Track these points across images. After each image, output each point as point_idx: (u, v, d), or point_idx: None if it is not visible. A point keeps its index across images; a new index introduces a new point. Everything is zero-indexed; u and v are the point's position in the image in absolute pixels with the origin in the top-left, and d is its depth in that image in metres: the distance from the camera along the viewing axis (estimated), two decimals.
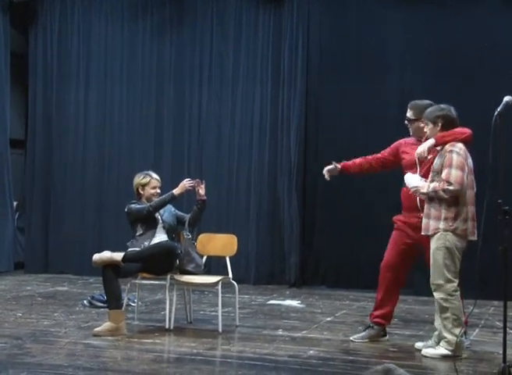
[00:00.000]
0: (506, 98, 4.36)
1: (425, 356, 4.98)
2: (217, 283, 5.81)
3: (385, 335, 5.52)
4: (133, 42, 9.41)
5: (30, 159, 9.67)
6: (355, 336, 5.52)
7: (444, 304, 4.91)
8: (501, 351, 4.22)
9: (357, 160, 5.70)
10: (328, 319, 6.47)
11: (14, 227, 9.64)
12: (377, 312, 5.47)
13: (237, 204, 8.96)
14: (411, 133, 5.46)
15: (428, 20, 8.25)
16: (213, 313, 6.44)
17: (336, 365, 4.73)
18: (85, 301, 6.92)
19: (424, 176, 5.12)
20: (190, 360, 4.77)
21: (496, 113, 4.26)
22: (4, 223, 9.36)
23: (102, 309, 6.45)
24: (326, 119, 8.64)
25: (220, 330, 5.71)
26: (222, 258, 6.28)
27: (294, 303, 7.37)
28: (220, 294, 5.78)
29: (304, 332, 5.79)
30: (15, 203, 9.73)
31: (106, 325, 5.50)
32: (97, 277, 7.32)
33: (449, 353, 4.88)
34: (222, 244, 6.25)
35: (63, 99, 9.56)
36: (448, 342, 4.90)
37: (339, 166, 5.66)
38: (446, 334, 4.92)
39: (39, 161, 9.59)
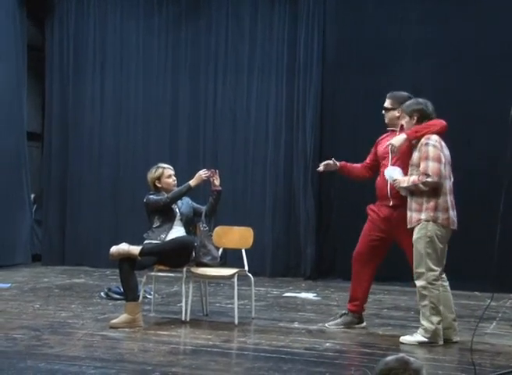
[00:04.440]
0: None
1: (403, 343, 5.08)
2: (233, 275, 5.82)
3: (362, 322, 5.66)
4: (149, 34, 9.42)
5: (46, 152, 9.72)
6: (330, 322, 5.68)
7: (423, 292, 5.02)
8: None
9: (356, 165, 5.82)
10: (344, 311, 6.44)
11: (31, 220, 9.71)
12: (350, 301, 5.66)
13: (253, 196, 8.96)
14: (386, 122, 5.60)
15: (445, 14, 8.19)
16: (229, 306, 6.45)
17: (352, 357, 4.73)
18: (102, 293, 6.95)
19: (395, 164, 5.30)
20: (206, 352, 4.78)
21: None
22: (21, 215, 9.43)
23: (119, 301, 6.48)
24: (342, 110, 8.61)
25: (236, 322, 5.71)
26: (238, 251, 6.28)
27: (310, 296, 7.36)
28: (236, 287, 5.78)
29: (320, 324, 5.78)
30: (32, 196, 9.80)
31: (123, 317, 5.53)
32: (113, 269, 7.36)
33: (426, 340, 5.00)
34: (238, 236, 6.25)
35: (79, 92, 9.59)
36: (425, 329, 5.03)
37: (338, 163, 5.75)
38: (423, 322, 5.04)
39: (56, 154, 9.64)
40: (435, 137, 5.06)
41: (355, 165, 5.82)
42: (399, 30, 8.37)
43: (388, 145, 5.27)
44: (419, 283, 5.04)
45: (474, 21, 8.06)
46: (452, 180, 5.14)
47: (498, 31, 7.96)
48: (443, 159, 5.04)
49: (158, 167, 6.03)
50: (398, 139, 5.18)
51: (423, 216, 5.01)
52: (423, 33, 8.25)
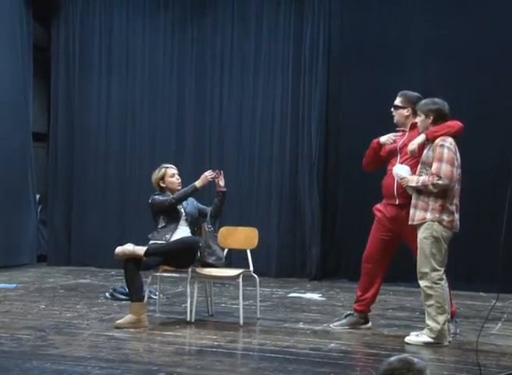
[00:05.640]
0: None
1: (408, 343, 5.08)
2: (238, 276, 5.82)
3: (367, 322, 5.64)
4: (155, 33, 9.43)
5: (52, 152, 9.73)
6: (335, 323, 5.66)
7: (428, 291, 5.02)
8: None
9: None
10: (350, 312, 6.44)
11: (37, 220, 9.72)
12: (357, 301, 5.62)
13: (258, 196, 8.96)
14: (394, 120, 5.56)
15: (452, 10, 8.18)
16: (234, 306, 6.45)
17: (357, 358, 4.72)
18: (107, 294, 6.96)
19: (403, 163, 5.28)
20: (212, 352, 4.79)
21: None
22: (27, 215, 9.45)
23: (124, 302, 6.49)
24: (347, 108, 8.60)
25: (241, 322, 5.71)
26: (243, 251, 6.28)
27: (315, 296, 7.36)
28: (241, 287, 5.78)
29: (325, 325, 5.78)
30: (38, 196, 9.82)
31: (128, 317, 5.53)
32: (118, 270, 7.37)
33: (432, 340, 5.00)
34: (243, 237, 6.25)
35: (85, 92, 9.61)
36: (431, 330, 5.02)
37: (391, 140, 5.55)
38: (429, 322, 5.04)
39: (61, 154, 9.65)
40: (450, 140, 5.04)
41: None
42: (403, 29, 8.36)
43: (407, 149, 5.21)
44: (423, 283, 5.04)
45: (474, 21, 8.04)
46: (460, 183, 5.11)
47: (498, 31, 7.95)
48: (456, 163, 5.02)
49: (161, 167, 6.05)
50: (416, 142, 5.12)
51: (429, 215, 5.00)
52: (432, 28, 8.22)
